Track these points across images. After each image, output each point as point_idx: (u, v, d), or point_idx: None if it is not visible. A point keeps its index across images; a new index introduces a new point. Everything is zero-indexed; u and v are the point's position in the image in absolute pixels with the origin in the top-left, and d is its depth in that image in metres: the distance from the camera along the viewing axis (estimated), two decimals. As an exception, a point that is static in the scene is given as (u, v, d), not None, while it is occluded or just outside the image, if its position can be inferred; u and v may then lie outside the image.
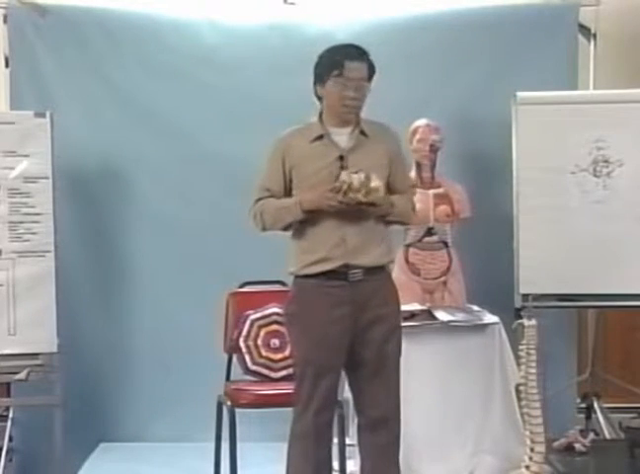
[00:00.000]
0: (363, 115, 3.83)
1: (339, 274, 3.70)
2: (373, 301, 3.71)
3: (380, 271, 3.76)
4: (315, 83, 3.79)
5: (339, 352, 3.71)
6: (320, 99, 3.81)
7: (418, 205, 4.98)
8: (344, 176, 3.61)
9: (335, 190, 3.61)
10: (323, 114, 3.80)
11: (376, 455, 3.75)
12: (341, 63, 3.68)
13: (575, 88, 5.64)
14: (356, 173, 3.62)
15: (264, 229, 3.86)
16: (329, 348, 3.71)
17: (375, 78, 3.80)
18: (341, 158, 3.72)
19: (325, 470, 3.81)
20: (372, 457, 3.76)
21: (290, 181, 3.79)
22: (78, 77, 5.65)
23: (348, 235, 3.69)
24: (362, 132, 3.76)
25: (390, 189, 3.78)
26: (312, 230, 3.74)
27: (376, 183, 3.62)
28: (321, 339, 3.72)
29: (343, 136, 3.75)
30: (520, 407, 4.74)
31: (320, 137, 3.76)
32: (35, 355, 5.05)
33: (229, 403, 4.49)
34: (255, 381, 4.68)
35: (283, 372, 4.64)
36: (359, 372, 3.78)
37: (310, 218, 3.72)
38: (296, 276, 3.82)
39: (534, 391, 4.63)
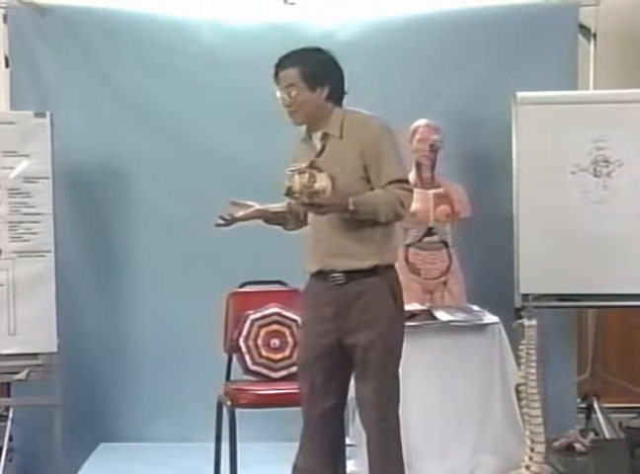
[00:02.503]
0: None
1: (322, 276, 3.69)
2: (356, 307, 3.63)
3: (366, 274, 3.63)
4: None
5: (321, 350, 3.67)
6: None
7: (418, 205, 5.02)
8: (286, 179, 3.53)
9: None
10: None
11: (371, 454, 3.73)
12: (276, 73, 3.72)
13: (575, 88, 5.64)
14: (301, 174, 3.52)
15: None
16: (310, 345, 3.71)
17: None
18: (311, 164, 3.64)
19: (321, 467, 3.73)
20: (369, 456, 3.74)
21: None
22: (78, 77, 5.65)
23: (322, 237, 3.67)
24: (327, 135, 3.67)
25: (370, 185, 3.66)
26: (309, 231, 3.76)
27: (322, 184, 3.50)
28: (306, 336, 3.75)
29: (317, 141, 3.72)
30: (520, 407, 4.73)
31: (305, 138, 3.76)
32: (35, 355, 5.04)
33: (229, 403, 4.48)
34: (255, 381, 4.68)
35: (283, 372, 4.64)
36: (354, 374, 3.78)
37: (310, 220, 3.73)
38: None
39: (534, 391, 4.63)
